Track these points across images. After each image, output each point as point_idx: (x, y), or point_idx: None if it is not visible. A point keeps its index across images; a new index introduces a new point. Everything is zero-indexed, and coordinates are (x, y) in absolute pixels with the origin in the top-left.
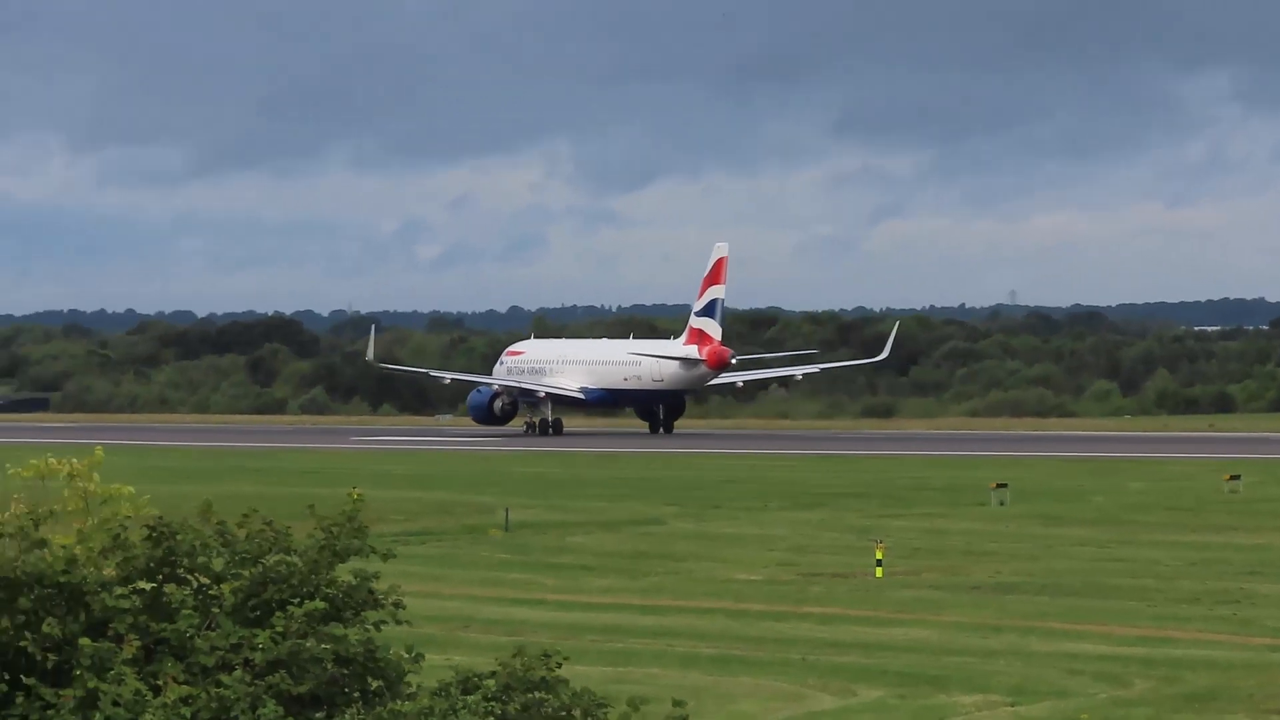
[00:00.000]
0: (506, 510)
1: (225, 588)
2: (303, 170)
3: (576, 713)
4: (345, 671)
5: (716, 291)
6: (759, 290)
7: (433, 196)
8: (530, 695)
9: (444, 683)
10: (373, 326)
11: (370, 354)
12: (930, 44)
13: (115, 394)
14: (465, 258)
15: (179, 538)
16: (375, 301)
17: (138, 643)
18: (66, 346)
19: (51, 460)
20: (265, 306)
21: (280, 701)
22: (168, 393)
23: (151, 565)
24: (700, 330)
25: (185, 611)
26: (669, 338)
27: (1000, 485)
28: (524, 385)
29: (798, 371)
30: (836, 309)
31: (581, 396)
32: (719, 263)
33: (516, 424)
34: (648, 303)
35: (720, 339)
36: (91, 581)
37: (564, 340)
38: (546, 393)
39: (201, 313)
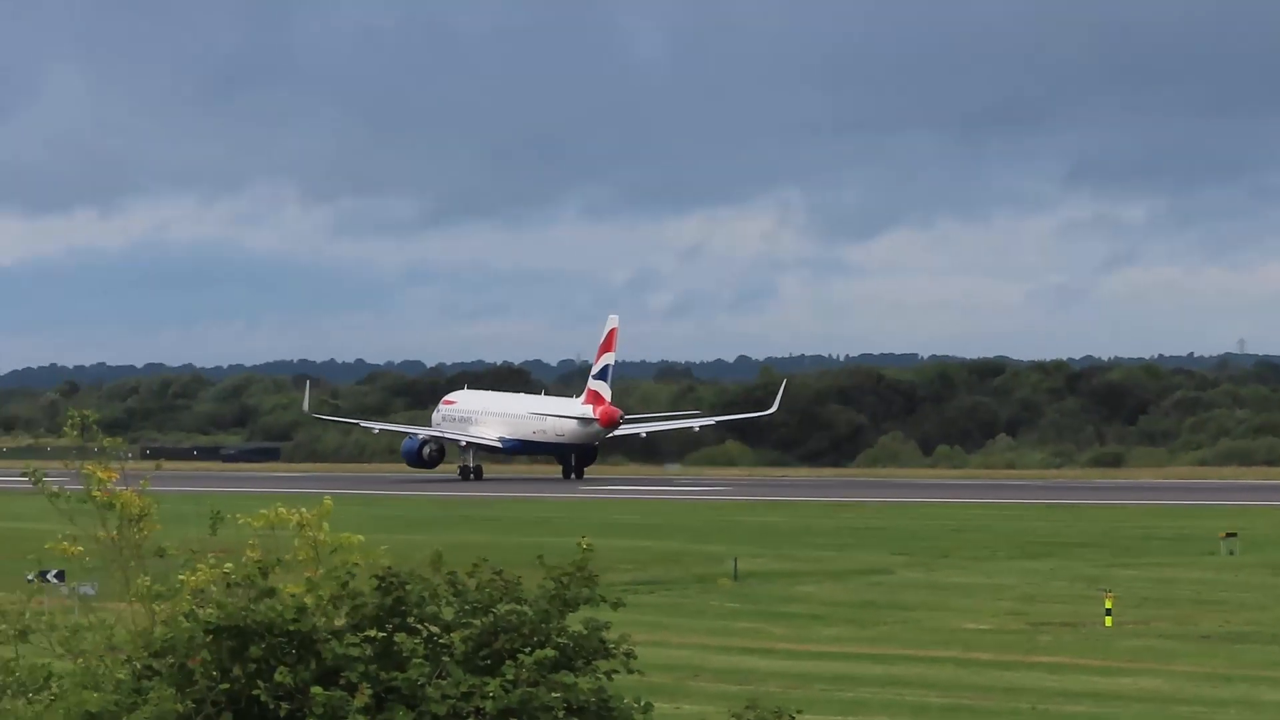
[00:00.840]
0: (735, 560)
1: (456, 636)
2: (535, 219)
3: None
4: None
5: (609, 358)
6: (987, 339)
7: (664, 246)
8: None
9: None
10: (307, 381)
11: (305, 405)
12: (1163, 92)
13: (344, 443)
14: (695, 307)
15: (408, 587)
16: None
17: (369, 691)
18: (297, 396)
19: (281, 510)
20: (494, 356)
21: None
22: (396, 442)
23: (381, 614)
24: (596, 392)
25: (416, 660)
26: (572, 398)
27: (1230, 535)
28: (447, 435)
29: (695, 424)
30: (1064, 358)
31: (499, 445)
32: (611, 333)
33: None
34: (875, 351)
35: (610, 400)
36: (322, 630)
37: (489, 393)
38: (468, 441)
39: (430, 362)
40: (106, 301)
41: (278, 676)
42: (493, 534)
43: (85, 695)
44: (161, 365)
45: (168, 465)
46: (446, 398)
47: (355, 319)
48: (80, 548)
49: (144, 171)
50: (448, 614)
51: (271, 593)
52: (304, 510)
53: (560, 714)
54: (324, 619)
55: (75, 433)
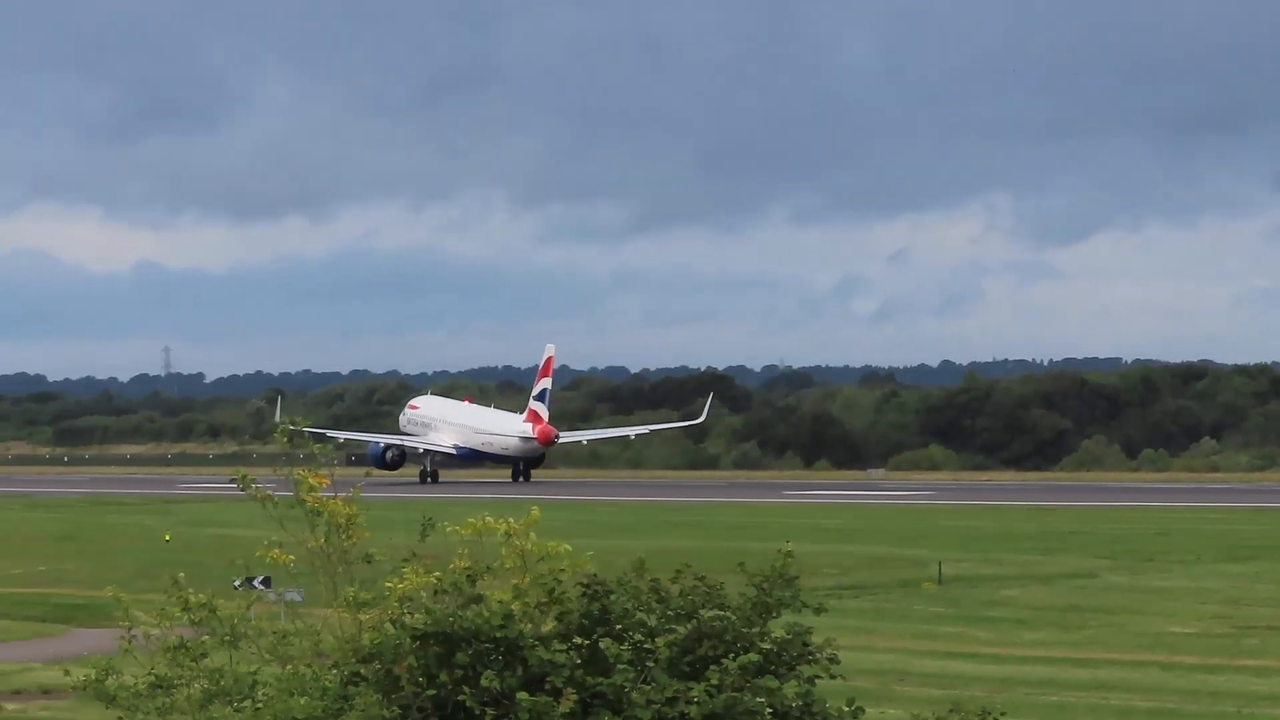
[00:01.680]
0: (939, 564)
1: (660, 642)
2: (742, 225)
3: None
4: None
5: (546, 383)
6: (1191, 343)
7: (870, 251)
8: None
9: None
10: (278, 397)
11: (277, 416)
12: None
13: (549, 451)
14: (900, 312)
15: (613, 595)
16: (807, 356)
17: (575, 696)
18: (502, 403)
19: (489, 519)
20: (698, 361)
21: None
22: (601, 448)
23: (586, 621)
24: (535, 412)
25: (621, 666)
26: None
27: None
28: (406, 443)
29: (631, 432)
30: (1269, 361)
31: (454, 452)
32: (548, 360)
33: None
34: (1079, 355)
35: (548, 420)
36: (529, 636)
37: (449, 402)
38: (424, 448)
39: (634, 368)
40: (312, 308)
41: (484, 682)
42: (696, 539)
43: (292, 701)
44: (366, 372)
45: (377, 472)
46: (411, 403)
47: (561, 325)
48: (290, 555)
49: (353, 179)
50: (652, 620)
51: (479, 599)
52: (511, 520)
53: (766, 718)
54: (530, 625)
55: (283, 440)
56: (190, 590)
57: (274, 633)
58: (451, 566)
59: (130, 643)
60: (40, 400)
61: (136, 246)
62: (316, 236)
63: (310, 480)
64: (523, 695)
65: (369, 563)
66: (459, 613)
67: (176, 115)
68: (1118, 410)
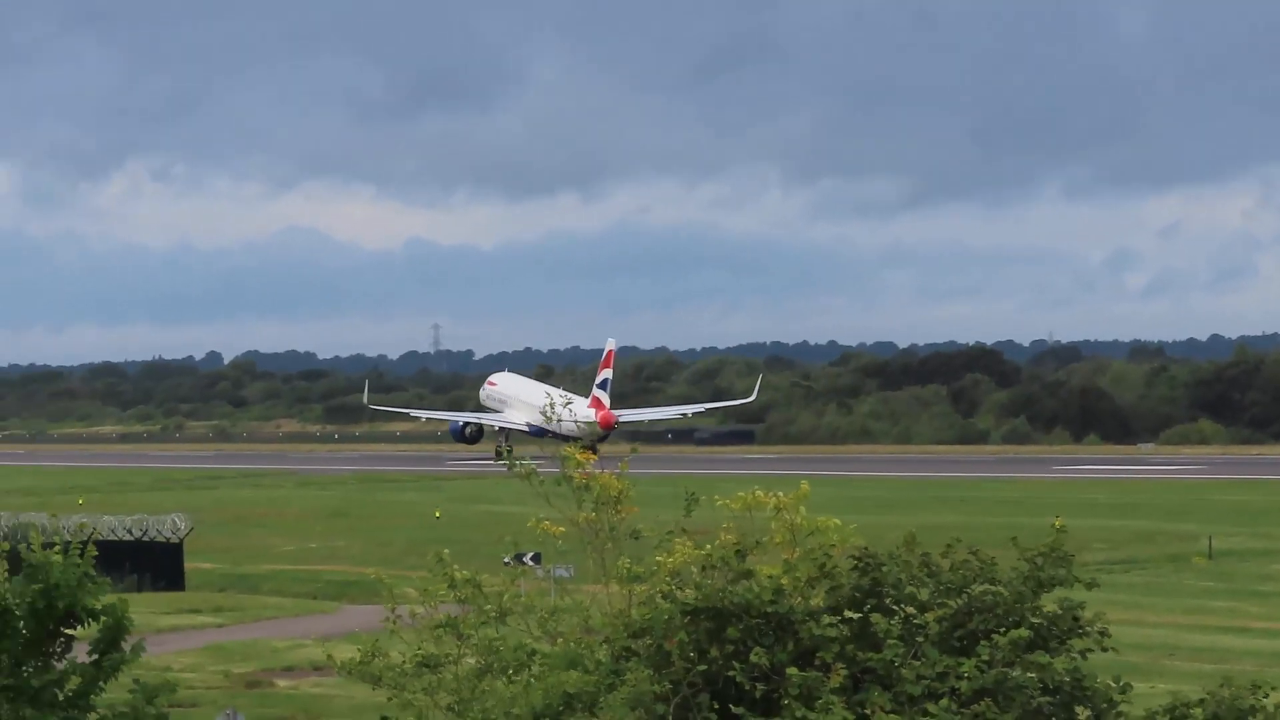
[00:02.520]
0: (1209, 538)
1: (930, 617)
2: (1014, 200)
3: None
4: (1052, 700)
5: (607, 373)
6: None
7: (1142, 225)
8: None
9: (1151, 711)
10: (366, 381)
11: (365, 398)
12: None
13: (818, 425)
14: (1171, 286)
15: (884, 569)
16: (1076, 331)
17: (845, 672)
18: (770, 379)
19: (758, 493)
20: (967, 337)
21: None
22: (870, 424)
23: (858, 595)
24: (598, 399)
25: (891, 641)
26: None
27: None
28: (484, 420)
29: (688, 410)
30: None
31: (526, 430)
32: (609, 354)
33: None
34: None
35: (610, 406)
36: (799, 611)
37: (524, 381)
38: (500, 426)
39: (903, 344)
40: (582, 285)
41: (753, 657)
42: (965, 515)
43: (565, 675)
44: (635, 348)
45: (642, 448)
46: (490, 379)
47: (830, 301)
48: (561, 528)
49: (626, 155)
50: (923, 594)
51: (749, 574)
52: (780, 494)
53: (1035, 694)
54: (801, 600)
55: (553, 417)
56: (455, 567)
57: (543, 609)
58: (719, 541)
59: (395, 623)
60: (310, 378)
61: (408, 224)
62: (588, 213)
63: (578, 456)
64: (792, 670)
65: (636, 538)
66: (730, 588)
67: (450, 93)
68: None
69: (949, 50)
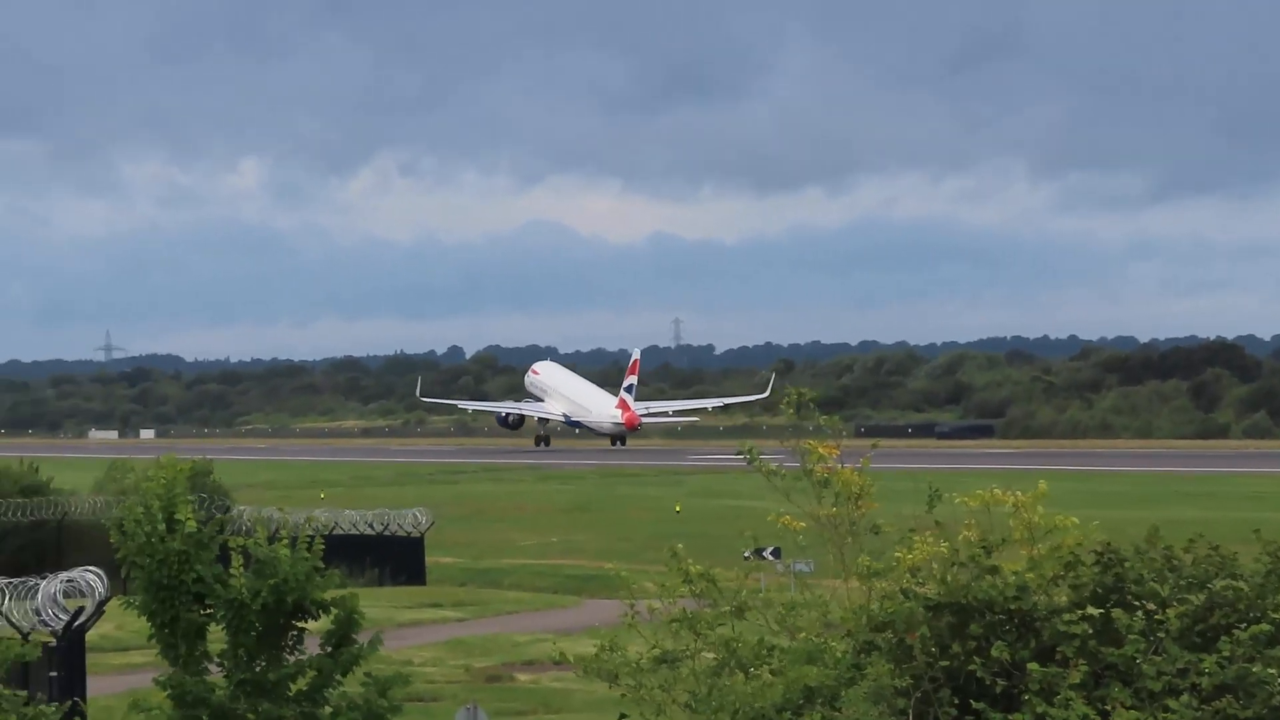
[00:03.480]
0: None
1: (1171, 613)
2: (1259, 194)
3: None
4: None
5: (633, 379)
6: None
7: None
8: None
9: None
10: (419, 377)
11: (419, 391)
12: None
13: (1058, 420)
14: None
15: (1127, 565)
16: None
17: (1085, 668)
18: (1010, 373)
19: (996, 491)
20: (1208, 331)
21: None
22: (1110, 418)
23: (1100, 591)
24: (624, 401)
25: (1132, 637)
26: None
27: None
28: (524, 411)
29: (709, 404)
30: None
31: (563, 420)
32: (634, 362)
33: None
34: None
35: (634, 408)
36: (1041, 608)
37: (563, 372)
38: (539, 416)
39: (1144, 338)
40: (825, 279)
41: (994, 652)
42: (1207, 510)
43: (804, 670)
44: (875, 343)
45: (882, 443)
46: (534, 367)
47: (1073, 294)
48: (801, 523)
49: (873, 149)
50: (1164, 590)
51: (994, 570)
52: (1019, 493)
53: (1277, 690)
54: (1044, 597)
55: (791, 410)
56: (689, 561)
57: (783, 604)
58: (961, 537)
59: (634, 617)
60: None
61: (654, 218)
62: (833, 207)
63: (820, 450)
64: (1033, 666)
65: (876, 534)
66: (973, 584)
67: (699, 86)
68: None
69: (1195, 42)
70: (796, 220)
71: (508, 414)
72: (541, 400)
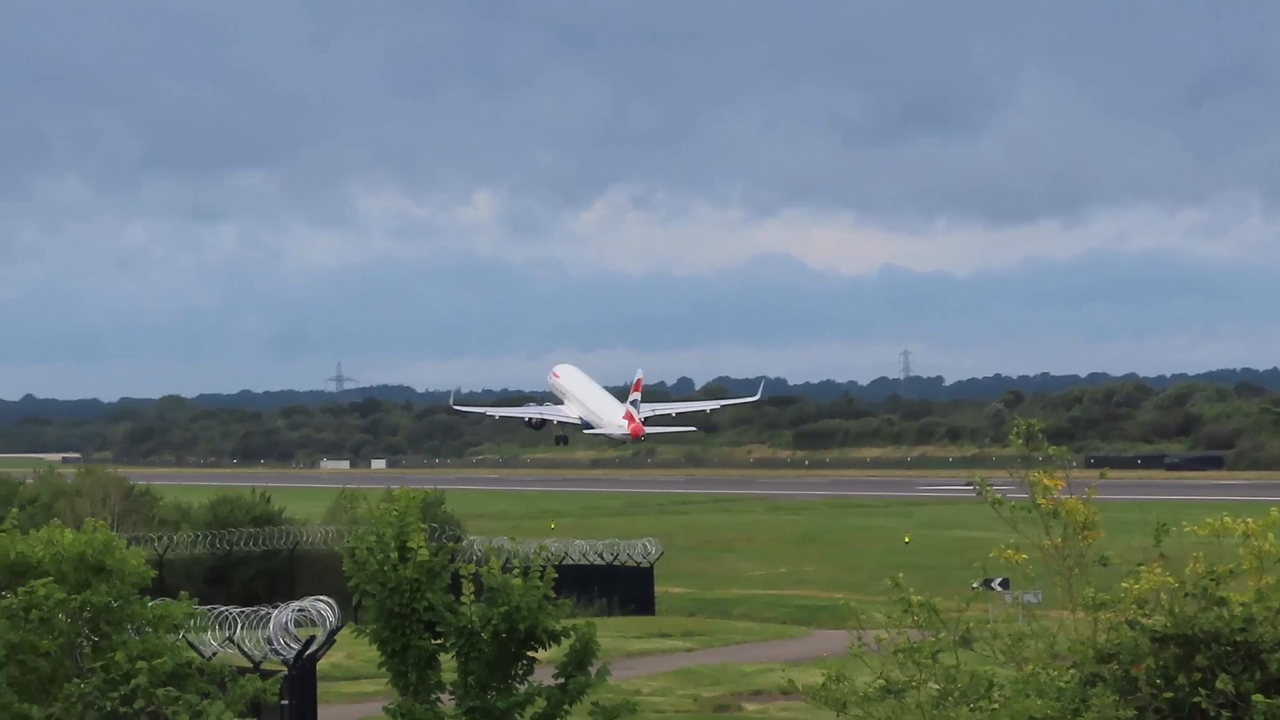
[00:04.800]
0: None
1: None
2: None
3: None
4: None
5: (636, 396)
6: None
7: None
8: None
9: None
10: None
11: (452, 401)
12: None
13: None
14: None
15: None
16: None
17: None
18: (1240, 405)
19: (1227, 519)
20: None
21: None
22: None
23: None
24: (630, 413)
25: None
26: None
27: None
28: (545, 415)
29: (706, 406)
30: None
31: (579, 424)
32: (638, 381)
33: None
34: None
35: (640, 421)
36: (1268, 640)
37: (580, 377)
38: (557, 420)
39: None
40: (1056, 311)
41: (1219, 684)
42: None
43: (1028, 702)
44: (1104, 375)
45: (1111, 474)
46: (555, 370)
47: None
48: (1024, 555)
49: (1107, 181)
50: None
51: (1222, 602)
52: (1249, 520)
53: None
54: (1271, 629)
55: (1020, 441)
56: (910, 590)
57: (1009, 635)
58: (1189, 569)
59: (861, 647)
60: (781, 404)
61: (884, 250)
62: (1066, 239)
63: (1046, 482)
64: (1258, 697)
65: (1104, 565)
66: (1200, 615)
67: (935, 118)
68: None
69: None
70: (1030, 252)
71: (530, 418)
72: (561, 403)
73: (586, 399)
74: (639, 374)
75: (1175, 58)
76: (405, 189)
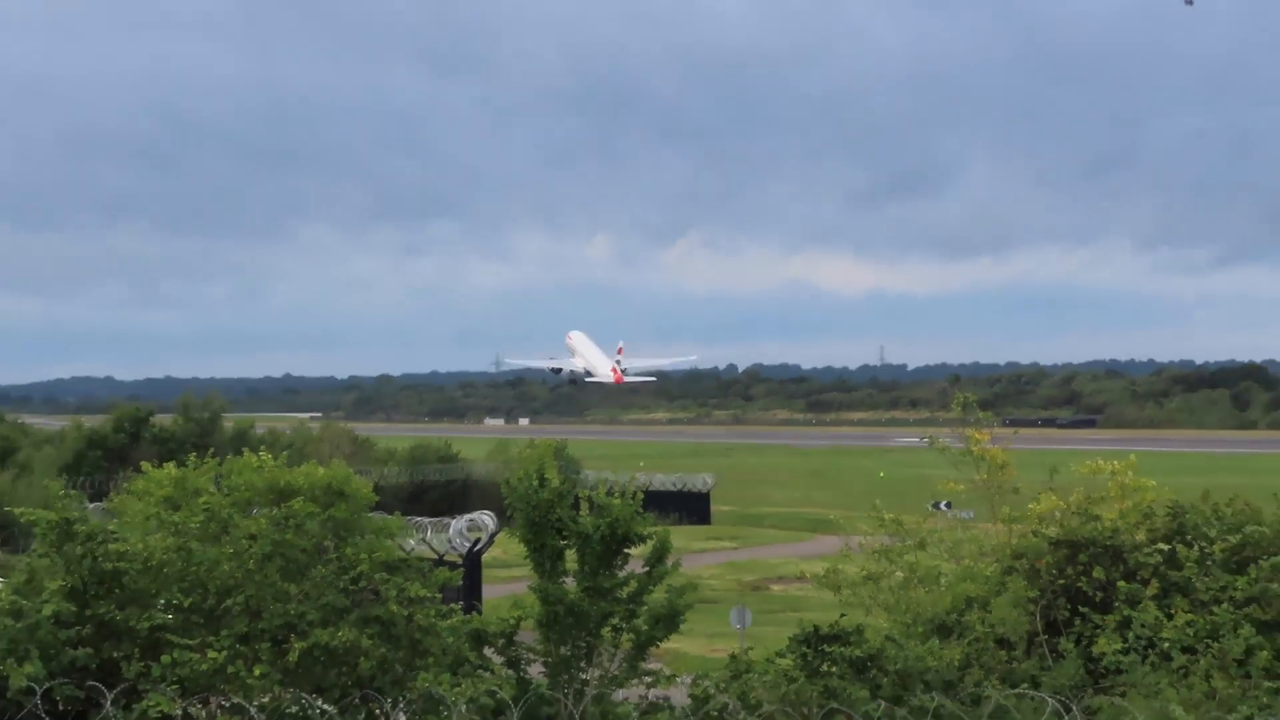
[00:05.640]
0: None
1: (1216, 548)
2: None
3: None
4: None
5: (619, 357)
6: None
7: None
8: None
9: None
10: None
11: (495, 362)
12: None
13: (1140, 416)
14: None
15: (1187, 515)
16: None
17: (1157, 585)
18: (1107, 384)
19: (1100, 462)
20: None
21: (1253, 624)
22: (1176, 416)
23: (1168, 532)
24: (614, 368)
25: (1189, 564)
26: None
27: None
28: (554, 365)
29: (656, 368)
30: None
31: (583, 374)
32: (620, 348)
33: None
34: None
35: (621, 373)
36: (1128, 544)
37: (584, 339)
38: (569, 369)
39: (1200, 361)
40: (987, 320)
41: (1095, 574)
42: (1243, 478)
43: (965, 585)
44: (1017, 363)
45: (1020, 431)
46: (569, 334)
47: (1155, 330)
48: (961, 486)
49: (1028, 230)
50: (1212, 532)
51: (1096, 518)
52: (1115, 462)
53: None
54: (1129, 536)
55: (959, 409)
56: (885, 511)
57: (951, 540)
58: (1074, 496)
59: (848, 549)
60: (797, 382)
61: (872, 278)
62: (997, 271)
63: (976, 436)
64: (1122, 584)
65: (1015, 493)
66: (1081, 527)
67: (911, 187)
68: None
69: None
70: (971, 280)
71: (553, 367)
72: (572, 357)
73: (588, 356)
74: (620, 344)
75: (1076, 145)
76: (548, 233)
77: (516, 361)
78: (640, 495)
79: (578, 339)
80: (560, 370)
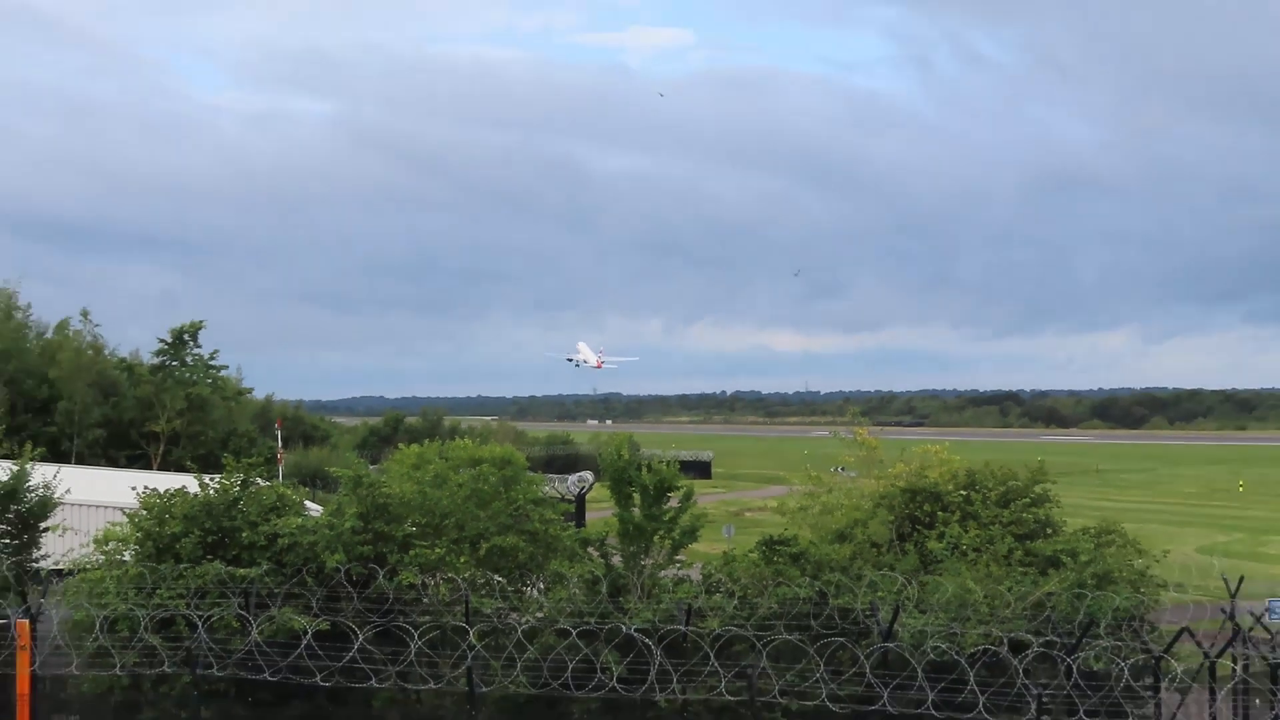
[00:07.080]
0: None
1: (993, 493)
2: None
3: None
4: (1039, 523)
5: (602, 351)
6: None
7: None
8: None
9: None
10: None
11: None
12: None
13: (958, 419)
14: None
15: (976, 474)
16: None
17: (958, 514)
18: (931, 402)
19: (930, 446)
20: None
21: (1013, 536)
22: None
23: (966, 484)
24: (600, 360)
25: (976, 501)
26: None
27: None
28: (568, 357)
29: (621, 360)
30: None
31: (584, 361)
32: (601, 350)
33: None
34: None
35: (601, 364)
36: (943, 491)
37: (584, 345)
38: (575, 360)
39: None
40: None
41: (926, 508)
42: (1009, 455)
43: (853, 513)
44: (882, 390)
45: (884, 429)
46: (578, 343)
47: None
48: (852, 458)
49: None
50: (988, 484)
51: (925, 477)
52: (939, 445)
53: (1032, 525)
54: (945, 486)
55: (851, 417)
56: (811, 470)
57: (845, 490)
58: (914, 465)
59: (790, 493)
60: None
61: None
62: None
63: (859, 431)
64: (940, 513)
65: (881, 463)
66: (918, 481)
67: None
68: None
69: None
70: None
71: (568, 358)
72: (577, 354)
73: (584, 352)
74: (601, 348)
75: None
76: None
77: (552, 354)
78: (676, 464)
79: (581, 346)
80: (571, 359)
